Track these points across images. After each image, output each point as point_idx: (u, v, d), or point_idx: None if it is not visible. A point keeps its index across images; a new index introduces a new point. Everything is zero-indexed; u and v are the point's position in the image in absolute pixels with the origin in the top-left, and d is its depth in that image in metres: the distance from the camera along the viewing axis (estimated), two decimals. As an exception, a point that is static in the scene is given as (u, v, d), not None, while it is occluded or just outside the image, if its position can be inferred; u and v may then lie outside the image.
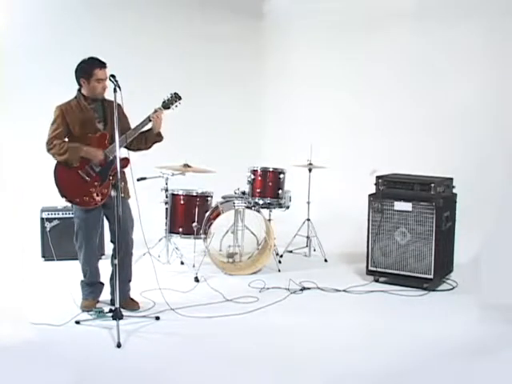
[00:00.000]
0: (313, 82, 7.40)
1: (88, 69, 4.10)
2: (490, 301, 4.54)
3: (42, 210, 5.63)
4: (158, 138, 4.37)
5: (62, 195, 4.18)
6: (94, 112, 4.19)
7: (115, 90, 4.00)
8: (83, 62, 4.14)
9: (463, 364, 3.55)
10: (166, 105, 4.34)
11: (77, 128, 4.13)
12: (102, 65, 4.12)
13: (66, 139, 4.18)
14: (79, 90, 4.20)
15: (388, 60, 6.80)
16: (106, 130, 4.19)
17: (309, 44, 7.46)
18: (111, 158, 4.15)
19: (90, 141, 4.16)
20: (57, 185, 4.17)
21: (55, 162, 4.17)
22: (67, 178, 4.15)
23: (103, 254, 5.52)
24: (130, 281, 4.42)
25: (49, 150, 4.13)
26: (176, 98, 4.36)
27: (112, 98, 4.04)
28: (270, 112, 7.93)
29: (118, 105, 4.22)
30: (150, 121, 4.24)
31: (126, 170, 4.26)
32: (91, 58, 4.14)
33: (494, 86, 5.97)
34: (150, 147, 4.42)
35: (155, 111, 4.27)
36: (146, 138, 4.34)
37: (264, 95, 7.93)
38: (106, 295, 4.44)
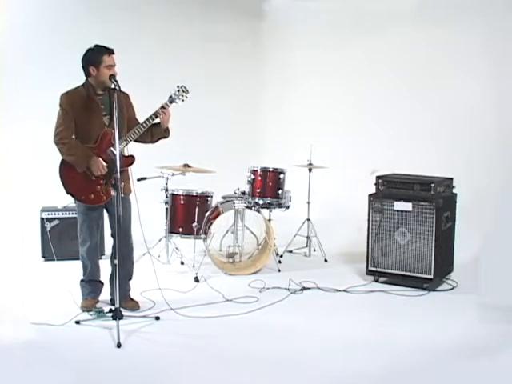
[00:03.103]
0: (312, 81, 7.41)
1: (97, 55, 4.06)
2: (490, 301, 4.55)
3: (42, 210, 5.63)
4: (166, 133, 4.33)
5: (68, 192, 4.16)
6: (100, 104, 4.14)
7: (115, 90, 4.00)
8: (90, 49, 4.10)
9: (463, 364, 3.55)
10: (173, 100, 4.26)
11: (83, 119, 4.08)
12: (110, 51, 4.09)
13: (73, 136, 4.12)
14: (87, 80, 4.15)
15: (388, 60, 6.81)
16: (112, 125, 4.09)
17: (308, 44, 7.47)
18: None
19: (96, 138, 4.12)
20: (62, 181, 4.14)
21: (61, 158, 4.13)
22: (73, 175, 4.12)
23: (103, 254, 5.53)
24: (130, 279, 4.42)
25: (56, 143, 4.08)
26: (183, 91, 4.28)
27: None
28: (269, 112, 7.93)
29: (126, 94, 4.22)
30: (157, 117, 4.19)
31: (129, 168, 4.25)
32: (98, 46, 4.10)
33: (494, 86, 5.98)
34: (155, 142, 4.39)
35: (162, 107, 4.21)
36: (152, 132, 4.29)
37: (264, 95, 7.93)
38: (105, 295, 4.44)
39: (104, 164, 4.11)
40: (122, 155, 4.06)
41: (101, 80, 4.09)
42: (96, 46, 4.10)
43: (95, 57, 4.06)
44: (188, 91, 4.31)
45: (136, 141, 4.27)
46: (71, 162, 4.09)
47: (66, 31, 6.43)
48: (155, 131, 4.29)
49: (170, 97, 4.27)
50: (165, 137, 4.36)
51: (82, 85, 4.15)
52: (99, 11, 6.64)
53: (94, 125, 4.12)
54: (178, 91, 4.28)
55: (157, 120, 4.23)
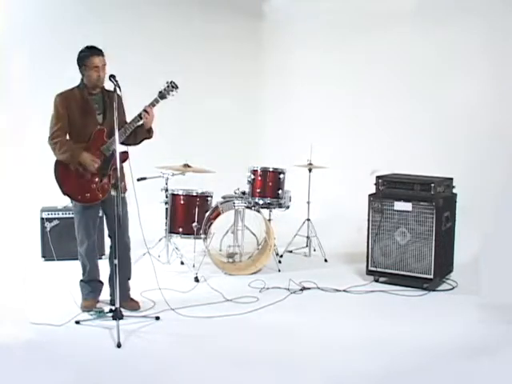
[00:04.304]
0: (313, 81, 7.41)
1: (84, 57, 4.12)
2: (490, 301, 4.55)
3: (42, 210, 5.63)
4: (148, 134, 4.34)
5: (64, 193, 4.19)
6: (94, 103, 4.18)
7: (115, 90, 4.00)
8: (81, 51, 4.16)
9: (463, 364, 3.55)
10: (163, 95, 4.26)
11: (77, 119, 4.14)
12: (97, 52, 4.12)
13: (68, 136, 4.17)
14: (82, 80, 4.20)
15: (388, 60, 6.80)
16: (105, 123, 4.17)
17: (308, 44, 7.47)
18: (110, 152, 4.15)
19: (89, 136, 4.15)
20: (58, 182, 4.18)
21: (55, 158, 4.17)
22: (68, 175, 4.16)
23: (103, 254, 5.53)
24: (129, 279, 4.42)
25: (50, 144, 4.14)
26: (173, 87, 4.27)
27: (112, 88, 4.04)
28: (269, 112, 7.93)
29: (118, 96, 4.21)
30: (141, 118, 4.20)
31: (126, 166, 4.21)
32: (87, 47, 4.15)
33: (494, 86, 5.98)
34: (139, 143, 4.39)
35: (144, 110, 4.19)
36: (135, 134, 4.30)
37: (264, 95, 7.93)
38: (105, 295, 4.43)
39: (94, 158, 4.14)
40: (113, 152, 4.08)
41: (91, 80, 4.14)
42: (86, 47, 4.16)
43: (83, 58, 4.13)
44: (177, 86, 4.28)
45: (123, 143, 4.28)
46: (64, 160, 4.13)
47: (66, 31, 6.42)
48: (139, 132, 4.30)
49: (160, 92, 4.27)
50: (148, 137, 4.37)
51: (78, 85, 4.21)
52: (99, 11, 6.64)
53: (88, 124, 4.16)
54: (168, 87, 4.26)
55: (141, 121, 4.24)
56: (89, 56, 4.10)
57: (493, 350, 3.74)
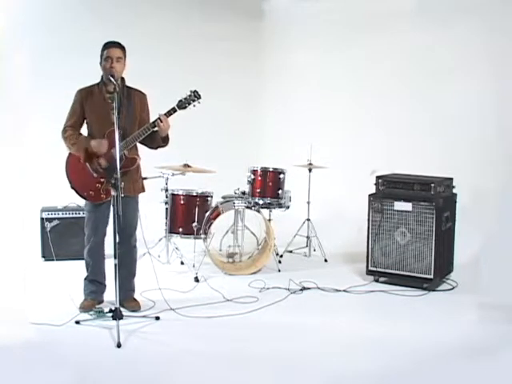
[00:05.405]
0: (313, 81, 7.40)
1: (101, 49, 4.10)
2: (490, 301, 4.55)
3: (42, 210, 5.63)
4: (163, 143, 4.25)
5: (71, 187, 4.19)
6: (111, 102, 4.05)
7: (115, 90, 3.99)
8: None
9: (463, 364, 3.55)
10: (182, 104, 4.13)
11: (93, 117, 4.13)
12: (112, 44, 4.09)
13: (86, 126, 4.17)
14: (102, 77, 4.18)
15: (388, 60, 6.81)
16: (120, 124, 3.98)
17: (309, 44, 7.46)
18: (121, 154, 4.06)
19: (103, 136, 4.12)
20: (67, 175, 4.18)
21: (68, 152, 4.18)
22: (77, 170, 4.15)
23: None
24: (134, 276, 4.40)
25: (62, 136, 4.15)
26: (195, 96, 4.15)
27: (135, 86, 4.06)
28: (270, 112, 7.93)
29: (143, 94, 4.27)
30: (155, 126, 4.11)
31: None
32: (107, 41, 4.12)
33: (495, 86, 5.98)
34: (155, 148, 4.33)
35: (159, 118, 4.09)
36: (152, 139, 4.22)
37: (264, 95, 7.92)
38: (108, 296, 4.42)
39: (101, 141, 4.09)
40: (123, 156, 4.06)
41: (104, 71, 4.11)
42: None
43: (101, 50, 4.12)
44: (200, 97, 4.18)
45: (141, 143, 4.25)
46: (75, 152, 4.12)
47: (66, 31, 6.43)
48: (154, 138, 4.22)
49: (180, 101, 4.14)
50: (162, 146, 4.28)
51: (98, 83, 4.19)
52: (99, 11, 6.63)
53: (104, 123, 4.11)
54: (190, 96, 4.16)
55: (155, 129, 4.16)
56: (104, 47, 4.10)
57: (493, 350, 3.74)
